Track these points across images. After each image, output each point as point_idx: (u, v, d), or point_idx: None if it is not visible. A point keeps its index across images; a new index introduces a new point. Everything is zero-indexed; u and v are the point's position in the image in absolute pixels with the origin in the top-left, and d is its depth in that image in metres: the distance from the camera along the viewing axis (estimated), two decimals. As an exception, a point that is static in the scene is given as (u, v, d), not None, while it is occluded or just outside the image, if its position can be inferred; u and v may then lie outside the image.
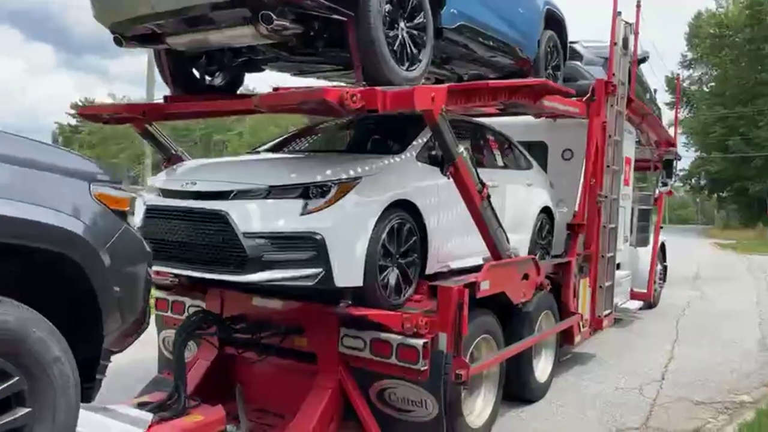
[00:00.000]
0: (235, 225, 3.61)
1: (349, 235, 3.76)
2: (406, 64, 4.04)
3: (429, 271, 4.65)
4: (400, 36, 3.97)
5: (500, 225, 4.60)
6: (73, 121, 56.61)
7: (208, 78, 4.93)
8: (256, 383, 4.69)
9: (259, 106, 3.39)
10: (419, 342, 3.90)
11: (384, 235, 4.00)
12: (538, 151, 8.06)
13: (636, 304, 9.60)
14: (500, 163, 6.00)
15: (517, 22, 5.68)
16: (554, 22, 6.53)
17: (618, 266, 9.26)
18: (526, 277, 5.10)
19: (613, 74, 7.13)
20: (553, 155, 8.02)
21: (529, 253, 6.33)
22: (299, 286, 3.73)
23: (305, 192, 3.76)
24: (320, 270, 3.64)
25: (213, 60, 4.67)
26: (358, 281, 3.83)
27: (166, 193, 4.10)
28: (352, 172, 3.97)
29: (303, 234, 3.62)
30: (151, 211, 4.05)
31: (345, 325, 4.15)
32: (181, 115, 4.78)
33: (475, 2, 4.87)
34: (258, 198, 3.74)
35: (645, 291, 10.26)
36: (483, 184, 4.27)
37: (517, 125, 8.03)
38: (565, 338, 6.45)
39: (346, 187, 3.85)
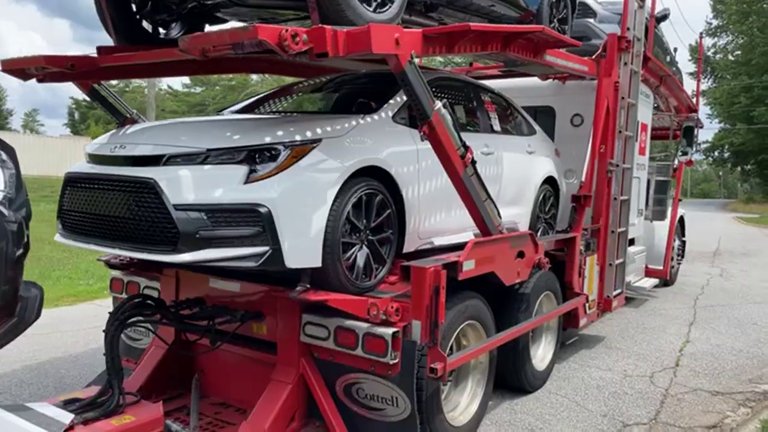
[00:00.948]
0: (164, 195, 3.05)
1: (302, 207, 3.19)
2: (374, 4, 3.42)
3: (409, 248, 4.08)
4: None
5: (489, 196, 3.99)
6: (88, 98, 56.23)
7: (162, 31, 4.36)
8: (217, 374, 4.19)
9: (187, 51, 2.82)
10: (388, 331, 3.35)
11: (349, 208, 3.42)
12: (545, 117, 7.42)
13: (651, 282, 8.96)
14: (497, 127, 5.36)
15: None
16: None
17: (632, 242, 8.65)
18: (521, 255, 4.50)
19: (627, 28, 6.41)
20: (562, 121, 7.35)
21: (531, 227, 5.74)
22: (244, 268, 3.18)
23: (250, 156, 3.19)
24: (266, 248, 3.08)
25: (160, 7, 4.08)
26: (315, 261, 3.28)
27: (93, 158, 3.55)
28: (309, 134, 3.39)
29: (245, 206, 3.05)
30: (73, 180, 3.51)
31: (307, 311, 3.61)
32: (119, 70, 4.20)
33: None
34: (194, 163, 3.18)
35: (661, 268, 9.61)
36: (466, 148, 3.65)
37: (521, 88, 7.40)
38: (569, 321, 5.87)
39: (300, 150, 3.27)
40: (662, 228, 9.86)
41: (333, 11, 3.16)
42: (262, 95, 5.24)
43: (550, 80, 7.23)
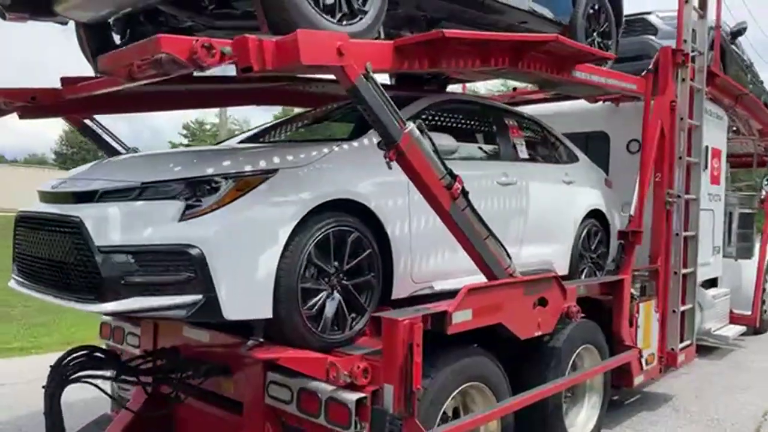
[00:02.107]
0: (89, 236, 2.69)
1: (245, 247, 2.74)
2: (339, 16, 2.97)
3: (400, 294, 3.52)
4: (326, -24, 2.92)
5: (491, 233, 3.37)
6: (185, 141, 58.89)
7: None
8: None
9: (104, 72, 2.50)
10: (352, 397, 2.78)
11: (310, 248, 2.93)
12: (599, 143, 6.68)
13: (737, 329, 7.76)
14: (523, 154, 4.72)
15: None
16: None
17: (713, 283, 7.57)
18: (542, 302, 3.81)
19: (684, 41, 5.62)
20: (617, 148, 6.57)
21: (572, 269, 5.01)
22: (174, 318, 2.74)
23: (187, 190, 2.78)
24: (199, 297, 2.64)
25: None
26: (264, 311, 2.79)
27: (41, 196, 3.28)
28: (263, 164, 2.95)
29: (174, 247, 2.63)
30: (20, 220, 3.24)
31: (273, 369, 3.11)
32: (106, 104, 3.98)
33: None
34: (126, 199, 2.81)
35: (749, 313, 8.36)
36: (453, 177, 3.08)
37: (568, 112, 6.72)
38: (622, 378, 5.01)
39: (246, 183, 2.83)
40: (750, 267, 8.63)
41: (283, 24, 2.74)
42: (271, 124, 4.91)
43: (602, 103, 6.51)
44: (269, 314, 2.80)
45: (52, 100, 3.61)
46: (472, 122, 4.52)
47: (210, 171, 2.83)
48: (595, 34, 5.19)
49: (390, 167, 2.86)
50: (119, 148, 4.58)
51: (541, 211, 4.65)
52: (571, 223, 5.04)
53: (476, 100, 4.75)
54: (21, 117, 3.96)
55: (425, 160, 2.94)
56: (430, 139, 3.01)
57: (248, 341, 2.91)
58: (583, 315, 4.16)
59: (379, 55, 2.80)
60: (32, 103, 3.53)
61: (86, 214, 2.76)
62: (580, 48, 3.98)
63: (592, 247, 5.31)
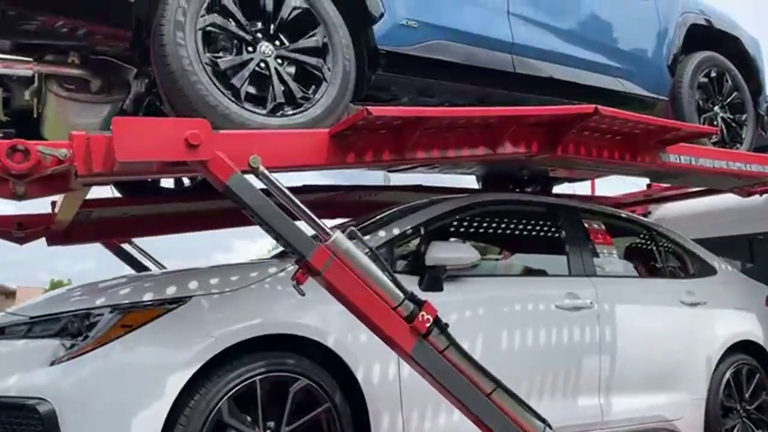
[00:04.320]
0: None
1: (115, 404, 2.09)
2: (270, 106, 2.40)
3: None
4: (256, 61, 2.41)
5: (499, 384, 2.31)
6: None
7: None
8: None
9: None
10: None
11: (221, 404, 2.20)
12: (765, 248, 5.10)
13: None
14: (611, 267, 3.54)
15: (605, 37, 3.51)
16: (712, 37, 4.05)
17: None
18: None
19: None
20: (793, 255, 4.92)
21: (708, 426, 3.53)
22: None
23: (70, 326, 2.27)
24: (46, 469, 2.02)
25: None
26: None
27: None
28: (171, 290, 2.35)
29: (23, 401, 2.08)
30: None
31: None
32: (116, 226, 3.80)
33: (467, 4, 3.01)
34: (14, 337, 2.37)
35: None
36: (418, 304, 2.16)
37: (721, 211, 5.27)
38: None
39: (138, 316, 2.23)
40: None
41: (184, 113, 2.24)
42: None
43: (758, 195, 4.97)
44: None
45: (43, 225, 3.48)
46: (528, 228, 3.52)
47: (99, 301, 2.31)
48: (715, 108, 3.96)
49: (301, 293, 2.08)
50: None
51: (641, 345, 3.37)
52: (700, 360, 3.61)
53: (536, 200, 3.75)
54: (49, 244, 3.93)
55: (361, 282, 2.10)
56: (373, 252, 2.18)
57: None
58: None
59: (286, 147, 2.14)
60: (18, 229, 3.42)
61: None
62: (647, 122, 2.90)
63: (746, 395, 3.74)
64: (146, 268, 4.32)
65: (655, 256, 3.97)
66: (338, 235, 2.09)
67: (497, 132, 2.64)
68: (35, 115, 2.83)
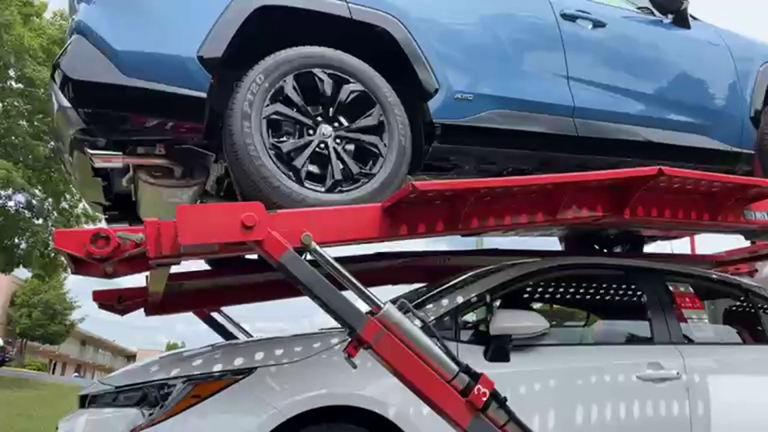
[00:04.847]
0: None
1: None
2: (329, 183, 2.55)
3: None
4: (316, 143, 2.58)
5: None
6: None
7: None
8: None
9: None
10: None
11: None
12: None
13: None
14: (700, 333, 3.29)
15: (672, 93, 3.42)
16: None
17: None
18: None
19: None
20: None
21: None
22: None
23: (148, 396, 2.44)
24: None
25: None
26: None
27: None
28: (239, 361, 2.48)
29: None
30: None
31: None
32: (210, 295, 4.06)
33: (522, 73, 3.06)
34: (101, 405, 2.58)
35: None
36: (474, 377, 2.14)
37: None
38: None
39: (207, 387, 2.37)
40: None
41: (259, 198, 2.42)
42: None
43: None
44: None
45: (139, 297, 3.78)
46: (604, 293, 3.38)
47: (174, 372, 2.47)
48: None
49: (353, 366, 2.12)
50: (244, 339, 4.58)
51: (740, 420, 3.07)
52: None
53: (611, 263, 3.59)
54: (147, 314, 4.25)
55: (413, 355, 2.12)
56: (425, 324, 2.20)
57: None
58: None
59: (338, 222, 2.25)
60: (118, 303, 3.74)
61: (62, 424, 2.60)
62: (723, 180, 2.75)
63: None
64: (234, 336, 4.55)
65: (756, 320, 3.65)
66: (389, 307, 2.15)
67: (556, 198, 2.62)
68: (134, 199, 3.17)
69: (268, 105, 2.53)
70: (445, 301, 2.89)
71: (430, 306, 2.90)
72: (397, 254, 4.53)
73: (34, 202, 16.87)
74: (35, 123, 15.96)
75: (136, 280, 3.85)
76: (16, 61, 14.93)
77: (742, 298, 3.71)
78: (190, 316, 4.50)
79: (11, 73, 15.63)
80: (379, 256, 4.47)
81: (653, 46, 3.48)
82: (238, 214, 2.03)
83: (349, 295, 2.21)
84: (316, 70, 2.64)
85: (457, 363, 2.17)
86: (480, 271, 3.21)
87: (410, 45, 2.82)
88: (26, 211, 16.87)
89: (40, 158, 15.69)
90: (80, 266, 2.27)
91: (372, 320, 2.10)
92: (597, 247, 4.99)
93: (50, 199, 16.87)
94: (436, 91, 2.84)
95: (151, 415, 2.37)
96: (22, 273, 24.29)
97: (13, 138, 15.65)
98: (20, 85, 15.74)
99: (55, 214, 17.23)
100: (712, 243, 5.98)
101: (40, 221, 16.91)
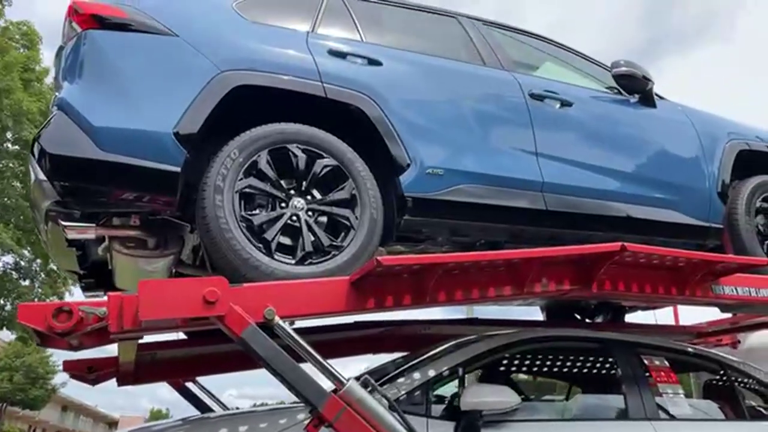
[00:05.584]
0: None
1: None
2: (299, 254, 2.58)
3: None
4: (288, 216, 2.63)
5: None
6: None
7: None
8: None
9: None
10: None
11: None
12: None
13: None
14: (677, 408, 3.26)
15: (640, 169, 3.52)
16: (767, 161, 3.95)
17: None
18: None
19: None
20: None
21: None
22: None
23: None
24: None
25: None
26: None
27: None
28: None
29: None
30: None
31: None
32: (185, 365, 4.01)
33: (492, 150, 3.16)
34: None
35: None
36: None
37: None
38: None
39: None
40: None
41: (228, 270, 2.45)
42: None
43: None
44: None
45: (110, 368, 3.72)
46: (578, 366, 3.37)
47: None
48: (785, 233, 3.76)
49: (315, 442, 2.10)
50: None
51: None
52: None
53: (585, 336, 3.58)
54: (119, 384, 4.17)
55: (375, 432, 2.10)
56: (389, 401, 2.19)
57: None
58: None
59: (304, 296, 2.27)
60: (88, 374, 3.68)
61: None
62: (687, 256, 2.81)
63: None
64: (209, 408, 4.45)
65: (734, 395, 3.62)
66: (351, 383, 2.14)
67: (524, 272, 2.66)
68: (110, 267, 3.19)
69: (241, 179, 2.60)
70: (416, 375, 2.87)
71: (401, 380, 2.88)
72: (376, 323, 4.52)
73: (22, 263, 16.77)
74: (29, 184, 16.07)
75: (108, 350, 3.82)
76: (14, 125, 15.20)
77: (720, 373, 3.69)
78: (175, 381, 4.39)
79: (8, 135, 15.89)
80: (358, 325, 4.46)
81: (620, 123, 3.62)
82: (200, 289, 2.06)
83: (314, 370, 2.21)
84: (291, 146, 2.73)
85: (424, 442, 2.15)
86: (455, 342, 3.20)
87: (383, 122, 2.93)
88: (13, 273, 16.75)
89: (30, 220, 15.72)
90: (45, 339, 2.26)
91: (333, 397, 2.09)
92: (578, 316, 4.99)
93: (38, 260, 16.77)
94: (408, 166, 2.92)
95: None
96: (6, 335, 23.90)
97: (6, 199, 15.74)
98: (17, 147, 15.98)
99: (43, 275, 17.09)
100: (697, 313, 6.01)
101: (27, 282, 16.76)
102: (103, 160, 2.43)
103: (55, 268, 17.66)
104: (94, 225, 2.61)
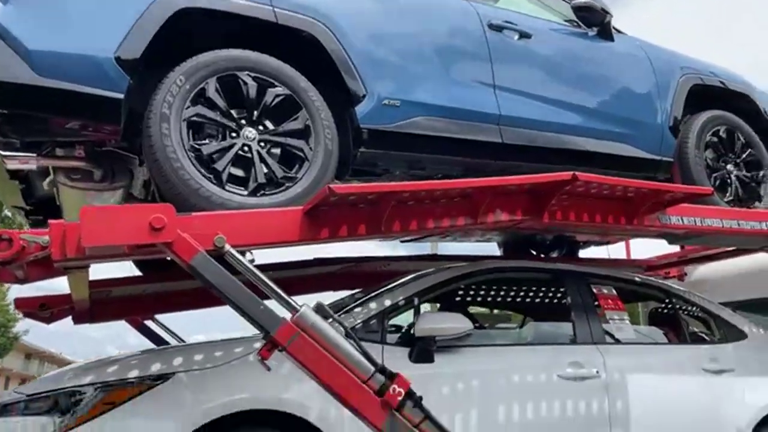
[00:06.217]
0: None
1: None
2: (252, 186, 2.54)
3: None
4: (239, 146, 2.57)
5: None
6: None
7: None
8: None
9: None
10: None
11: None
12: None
13: None
14: (622, 334, 3.41)
15: (595, 102, 3.54)
16: (718, 96, 4.01)
17: None
18: None
19: None
20: None
21: None
22: None
23: (59, 404, 2.38)
24: None
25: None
26: None
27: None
28: (156, 367, 2.45)
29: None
30: None
31: None
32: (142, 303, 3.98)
33: (449, 81, 3.12)
34: (12, 414, 2.50)
35: None
36: (391, 377, 2.17)
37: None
38: None
39: (120, 394, 2.33)
40: None
41: (177, 200, 2.40)
42: None
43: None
44: None
45: (63, 305, 3.68)
46: (530, 295, 3.47)
47: (87, 379, 2.42)
48: (728, 166, 3.87)
49: (267, 368, 2.12)
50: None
51: (657, 418, 3.18)
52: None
53: (538, 267, 3.69)
54: (75, 322, 4.12)
55: (328, 356, 2.13)
56: (342, 325, 2.22)
57: None
58: None
59: (255, 225, 2.25)
60: (41, 311, 3.63)
61: None
62: (637, 185, 2.87)
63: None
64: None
65: (677, 321, 3.80)
66: (305, 309, 2.15)
67: (477, 201, 2.68)
68: (57, 203, 3.09)
69: (188, 107, 2.51)
70: (373, 305, 2.92)
71: (358, 310, 2.92)
72: (337, 260, 4.54)
73: (-30, 207, 16.19)
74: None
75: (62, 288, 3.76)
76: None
77: (666, 301, 3.85)
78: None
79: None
80: (318, 262, 4.47)
81: (578, 57, 3.61)
82: (146, 215, 2.01)
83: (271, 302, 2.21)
84: (241, 73, 2.64)
85: (373, 363, 2.19)
86: (412, 276, 3.25)
87: (337, 50, 2.84)
88: (-39, 218, 16.19)
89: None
90: (-10, 270, 2.20)
91: (287, 323, 2.10)
92: (534, 252, 5.11)
93: (-12, 205, 16.21)
94: (364, 96, 2.87)
95: (62, 422, 2.31)
96: (-39, 283, 23.28)
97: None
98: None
99: (-4, 221, 16.57)
100: (648, 247, 6.22)
101: (-22, 228, 16.24)
102: (39, 86, 2.31)
103: (9, 214, 17.17)
104: (35, 155, 2.50)
